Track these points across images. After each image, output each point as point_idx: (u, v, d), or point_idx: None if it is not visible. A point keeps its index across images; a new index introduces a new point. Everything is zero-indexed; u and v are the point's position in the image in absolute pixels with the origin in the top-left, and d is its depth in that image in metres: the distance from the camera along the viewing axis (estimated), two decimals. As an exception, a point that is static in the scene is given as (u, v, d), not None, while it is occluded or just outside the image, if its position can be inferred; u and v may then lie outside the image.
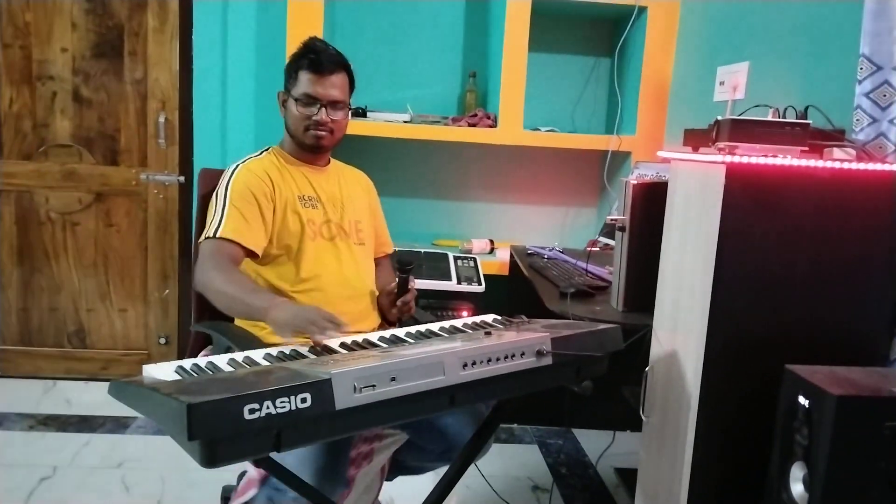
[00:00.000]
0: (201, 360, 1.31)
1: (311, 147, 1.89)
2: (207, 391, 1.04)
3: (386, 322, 1.94)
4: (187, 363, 1.28)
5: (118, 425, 2.88)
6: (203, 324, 1.77)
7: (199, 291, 1.70)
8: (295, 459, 1.47)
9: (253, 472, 1.68)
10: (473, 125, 3.16)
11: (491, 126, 3.15)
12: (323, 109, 1.84)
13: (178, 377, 1.21)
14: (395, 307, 1.86)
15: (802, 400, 1.32)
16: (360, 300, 1.89)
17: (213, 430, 1.01)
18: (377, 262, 2.07)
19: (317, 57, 1.83)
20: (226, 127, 3.27)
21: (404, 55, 3.34)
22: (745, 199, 1.49)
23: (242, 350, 1.42)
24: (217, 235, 1.72)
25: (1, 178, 3.20)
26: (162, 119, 3.20)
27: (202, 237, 1.76)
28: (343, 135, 1.94)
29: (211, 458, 1.04)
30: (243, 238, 1.73)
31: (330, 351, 1.43)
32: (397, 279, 1.85)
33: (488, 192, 3.53)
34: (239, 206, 1.76)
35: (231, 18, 3.20)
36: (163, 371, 1.25)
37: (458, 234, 3.46)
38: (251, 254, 1.76)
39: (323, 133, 1.87)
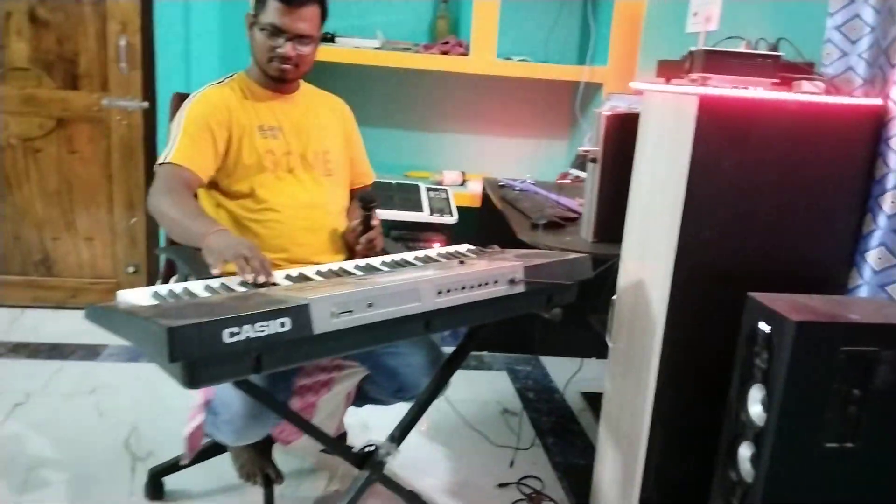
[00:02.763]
0: (177, 287, 1.31)
1: (273, 78, 1.85)
2: (186, 315, 1.06)
3: (354, 258, 1.94)
4: (163, 289, 1.29)
5: (89, 353, 2.89)
6: (169, 248, 1.77)
7: (151, 214, 1.70)
8: (229, 388, 1.49)
9: (198, 398, 1.70)
10: (445, 53, 3.12)
11: (463, 54, 3.11)
12: (289, 43, 1.78)
13: (155, 302, 1.22)
14: (359, 244, 1.84)
15: (763, 326, 1.37)
16: (321, 233, 1.86)
17: (193, 352, 1.03)
18: (354, 192, 2.05)
19: None
20: (189, 50, 3.17)
21: (375, -21, 3.26)
22: (716, 130, 1.51)
23: (200, 278, 1.43)
24: (168, 161, 1.72)
25: (-44, 101, 3.09)
26: (123, 42, 3.09)
27: (157, 163, 1.76)
28: (310, 67, 1.88)
29: (192, 380, 1.06)
30: (193, 164, 1.73)
31: (306, 278, 1.44)
32: (361, 217, 1.82)
33: (460, 122, 3.50)
34: (192, 134, 1.75)
35: (194, -64, 3.07)
36: (138, 296, 1.25)
37: (429, 165, 3.45)
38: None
39: (287, 67, 1.81)
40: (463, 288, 1.38)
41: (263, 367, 1.13)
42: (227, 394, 1.57)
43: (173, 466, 2.00)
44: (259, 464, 1.95)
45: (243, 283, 1.36)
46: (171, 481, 2.03)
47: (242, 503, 1.99)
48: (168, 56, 3.17)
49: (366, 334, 1.25)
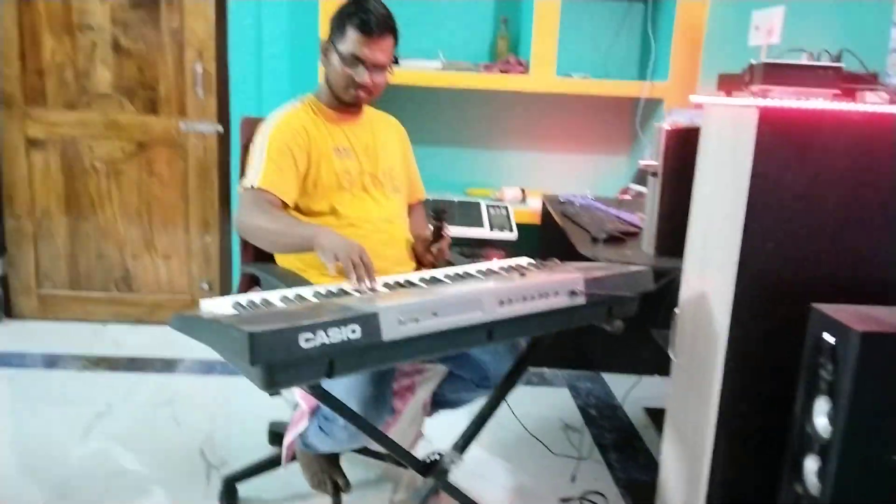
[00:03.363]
0: (255, 297, 1.39)
1: (348, 104, 1.94)
2: (265, 322, 1.13)
3: (421, 268, 2.01)
4: (242, 299, 1.37)
5: (166, 366, 3.02)
6: (252, 265, 1.87)
7: (243, 236, 1.80)
8: (342, 390, 1.56)
9: (303, 405, 1.78)
10: (505, 72, 3.17)
11: (523, 73, 3.16)
12: (367, 72, 1.85)
13: (236, 311, 1.30)
14: (429, 253, 1.92)
15: (828, 337, 1.37)
16: (397, 245, 1.95)
17: (273, 356, 1.10)
18: (410, 207, 2.12)
19: (368, 18, 1.81)
20: (261, 75, 3.32)
21: (435, 1, 3.34)
22: (777, 142, 1.51)
23: (289, 288, 1.50)
24: (256, 186, 1.80)
25: (46, 126, 3.30)
26: (199, 69, 3.26)
27: (241, 187, 1.85)
28: (379, 94, 1.95)
29: (270, 383, 1.13)
30: (278, 189, 1.81)
31: (373, 290, 1.50)
32: (431, 227, 1.91)
33: (520, 140, 3.55)
34: (276, 159, 1.83)
35: (265, -33, 3.22)
36: (220, 306, 1.33)
37: (489, 183, 3.50)
38: (285, 204, 1.84)
39: (363, 94, 1.90)
40: (524, 298, 1.42)
41: (336, 371, 1.19)
42: (343, 397, 1.64)
43: (246, 473, 2.09)
44: (328, 472, 2.02)
45: (317, 294, 1.43)
46: (244, 488, 2.11)
47: (311, 510, 2.06)
48: (241, 81, 3.32)
49: (431, 342, 1.30)
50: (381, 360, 1.27)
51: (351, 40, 1.83)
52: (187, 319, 1.28)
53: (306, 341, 1.12)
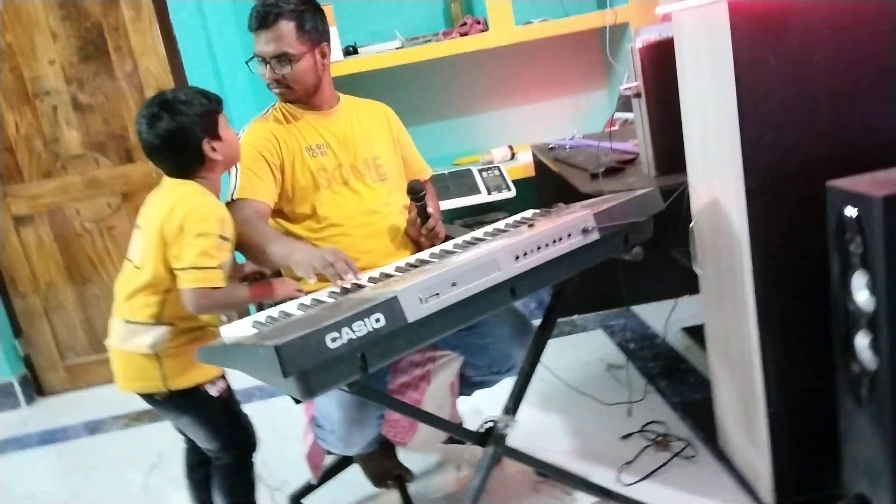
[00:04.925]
0: (272, 311, 1.37)
1: (309, 99, 1.89)
2: (288, 332, 1.11)
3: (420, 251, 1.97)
4: (261, 317, 1.35)
5: (206, 404, 3.02)
6: None
7: (236, 249, 1.78)
8: (325, 398, 1.56)
9: (305, 418, 1.78)
10: (465, 34, 3.12)
11: (483, 31, 3.11)
12: (268, 66, 1.81)
13: (256, 330, 1.28)
14: (422, 236, 1.87)
15: (850, 210, 1.34)
16: (383, 236, 1.89)
17: (304, 363, 1.08)
18: None
19: (251, 14, 1.78)
20: (225, 98, 3.25)
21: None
22: (753, 30, 1.47)
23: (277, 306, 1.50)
24: (235, 198, 1.80)
25: (29, 200, 3.28)
26: (163, 107, 3.21)
27: (225, 203, 1.83)
28: (308, 83, 1.85)
29: (308, 390, 1.11)
30: (258, 193, 1.80)
31: (387, 276, 1.48)
32: (416, 209, 1.84)
33: (496, 99, 3.50)
34: (249, 166, 1.82)
35: (203, -9, 3.17)
36: (240, 329, 1.32)
37: (476, 148, 3.45)
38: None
39: (279, 90, 1.85)
40: (539, 248, 1.40)
41: (369, 364, 1.17)
42: (326, 405, 1.64)
43: (309, 488, 2.08)
44: (387, 467, 2.01)
45: (332, 294, 1.41)
46: (310, 502, 2.11)
47: (382, 507, 2.06)
48: (206, 109, 3.27)
49: (457, 313, 1.27)
50: (411, 342, 1.25)
51: (255, 41, 1.81)
52: (212, 350, 1.26)
53: (333, 341, 1.10)
